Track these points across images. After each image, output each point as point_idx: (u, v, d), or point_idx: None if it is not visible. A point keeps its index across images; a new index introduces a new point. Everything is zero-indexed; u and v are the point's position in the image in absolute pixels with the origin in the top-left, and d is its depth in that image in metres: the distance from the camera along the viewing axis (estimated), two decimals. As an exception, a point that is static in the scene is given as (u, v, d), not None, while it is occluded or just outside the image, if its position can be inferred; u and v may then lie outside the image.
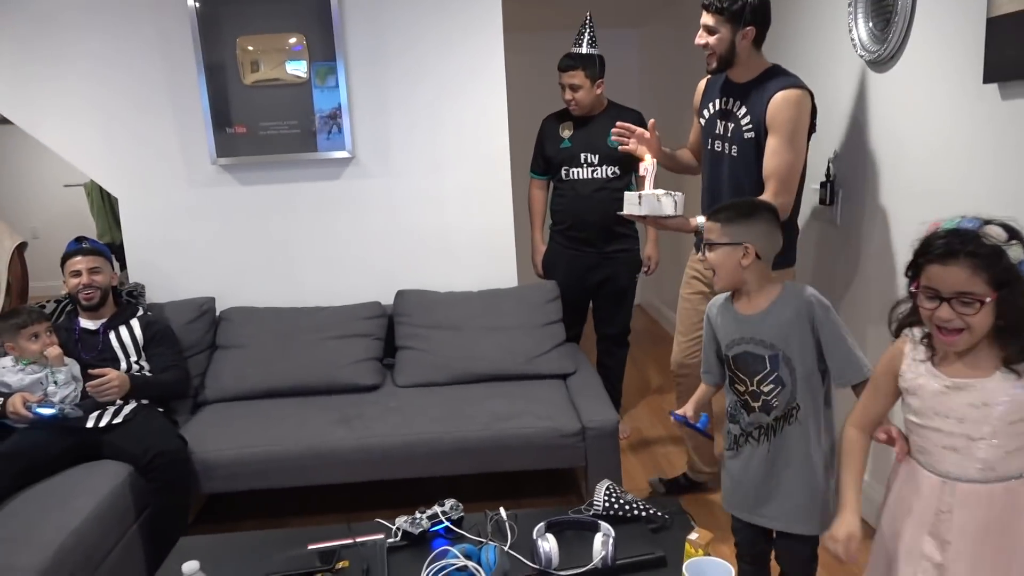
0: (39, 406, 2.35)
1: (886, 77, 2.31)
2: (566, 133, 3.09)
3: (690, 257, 2.61)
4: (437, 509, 1.78)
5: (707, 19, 2.24)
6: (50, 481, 2.22)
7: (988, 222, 1.21)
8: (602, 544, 1.54)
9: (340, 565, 1.61)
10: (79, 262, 2.63)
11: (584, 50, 2.95)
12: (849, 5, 2.43)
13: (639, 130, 2.43)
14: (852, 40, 2.43)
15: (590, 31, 2.96)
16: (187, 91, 3.00)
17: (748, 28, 2.21)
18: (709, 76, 2.43)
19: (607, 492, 1.76)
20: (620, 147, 2.48)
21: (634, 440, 3.28)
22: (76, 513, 2.03)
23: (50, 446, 2.30)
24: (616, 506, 1.74)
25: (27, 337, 2.48)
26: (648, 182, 2.33)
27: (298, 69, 2.99)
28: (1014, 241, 1.19)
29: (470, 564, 1.51)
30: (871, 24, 2.36)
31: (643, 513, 1.74)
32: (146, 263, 3.13)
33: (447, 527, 1.74)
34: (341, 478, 2.44)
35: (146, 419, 2.44)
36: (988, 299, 1.17)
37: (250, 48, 2.95)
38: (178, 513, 2.33)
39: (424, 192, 3.16)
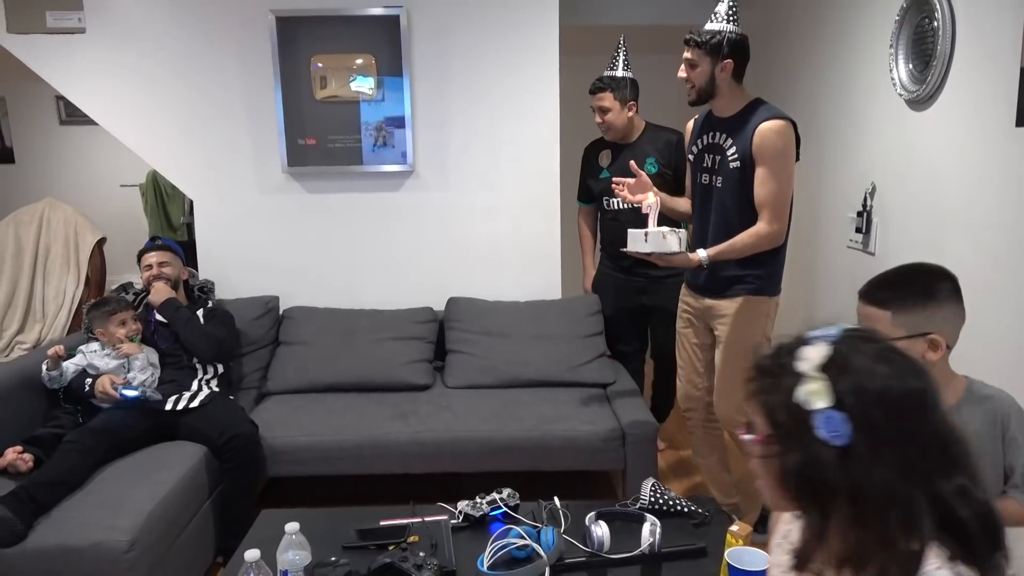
0: (124, 388, 2.56)
1: (924, 116, 2.46)
2: (604, 162, 3.13)
3: (681, 291, 2.65)
4: (496, 496, 1.95)
5: (688, 53, 2.34)
6: (134, 456, 2.42)
7: (825, 339, 0.88)
8: (650, 532, 1.70)
9: (411, 539, 1.78)
10: (151, 257, 2.88)
11: (618, 73, 2.97)
12: (890, 47, 2.58)
13: (628, 181, 2.47)
14: (892, 80, 2.58)
15: (624, 54, 3.00)
16: (263, 103, 3.23)
17: (727, 61, 2.29)
18: (697, 116, 2.54)
19: (652, 488, 1.92)
20: (622, 199, 2.54)
21: (668, 455, 3.42)
22: (161, 485, 2.22)
23: (134, 425, 2.51)
24: (660, 501, 1.89)
25: (116, 324, 2.70)
26: (651, 220, 2.39)
27: (365, 86, 3.20)
28: (819, 375, 0.84)
29: (531, 543, 1.68)
30: (911, 65, 2.52)
31: (685, 509, 1.89)
32: (216, 262, 3.35)
33: (505, 512, 1.91)
34: (397, 468, 2.62)
35: (220, 405, 2.65)
36: (760, 437, 0.88)
37: (322, 65, 3.18)
38: (247, 492, 2.53)
39: (477, 205, 3.36)
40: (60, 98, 7.03)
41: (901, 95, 2.54)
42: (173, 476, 2.29)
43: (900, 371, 0.83)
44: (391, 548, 1.74)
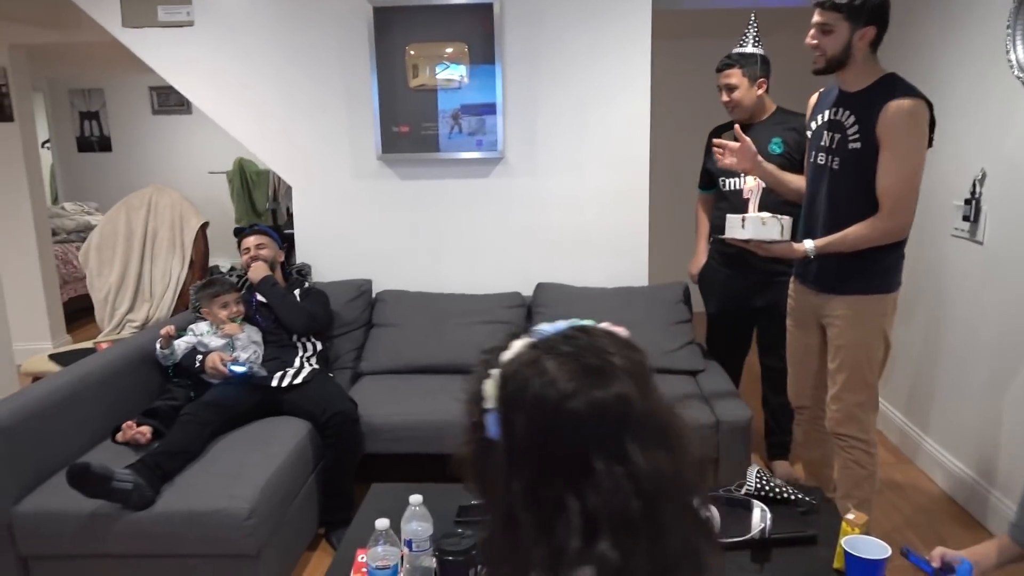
0: (233, 364, 2.69)
1: (1044, 99, 2.36)
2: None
3: (790, 284, 2.47)
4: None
5: (822, 17, 2.06)
6: (245, 430, 2.55)
7: (533, 336, 0.84)
8: (760, 518, 1.70)
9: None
10: (248, 240, 3.03)
11: (748, 49, 2.80)
12: (1008, 27, 2.48)
13: (731, 144, 2.35)
14: (1009, 61, 2.48)
15: (755, 30, 2.84)
16: (359, 92, 3.32)
17: (868, 28, 2.03)
18: (821, 90, 2.34)
19: (758, 475, 1.91)
20: (718, 163, 2.44)
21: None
22: (273, 458, 2.34)
23: (244, 400, 2.64)
24: (766, 488, 1.89)
25: (219, 305, 2.84)
26: (752, 204, 2.29)
27: (458, 74, 3.25)
28: (498, 374, 0.81)
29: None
30: (1031, 46, 2.41)
31: (791, 496, 1.88)
32: (313, 246, 3.47)
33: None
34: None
35: (321, 382, 2.75)
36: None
37: (416, 54, 3.24)
38: (347, 467, 2.63)
39: (565, 192, 3.38)
40: (153, 89, 7.38)
41: (1020, 77, 2.44)
42: (284, 449, 2.40)
43: (574, 381, 0.77)
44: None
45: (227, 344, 2.80)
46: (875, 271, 2.18)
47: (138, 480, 2.07)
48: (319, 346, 2.98)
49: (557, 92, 3.30)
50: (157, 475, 2.16)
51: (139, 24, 3.33)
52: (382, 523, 1.49)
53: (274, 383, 2.72)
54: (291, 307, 2.91)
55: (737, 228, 2.23)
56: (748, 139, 2.36)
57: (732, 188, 2.90)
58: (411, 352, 3.08)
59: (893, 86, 2.07)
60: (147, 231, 3.66)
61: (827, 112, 2.22)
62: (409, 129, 3.31)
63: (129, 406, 2.63)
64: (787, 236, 2.21)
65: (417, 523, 1.56)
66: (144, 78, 7.14)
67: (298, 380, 2.73)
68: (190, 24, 3.33)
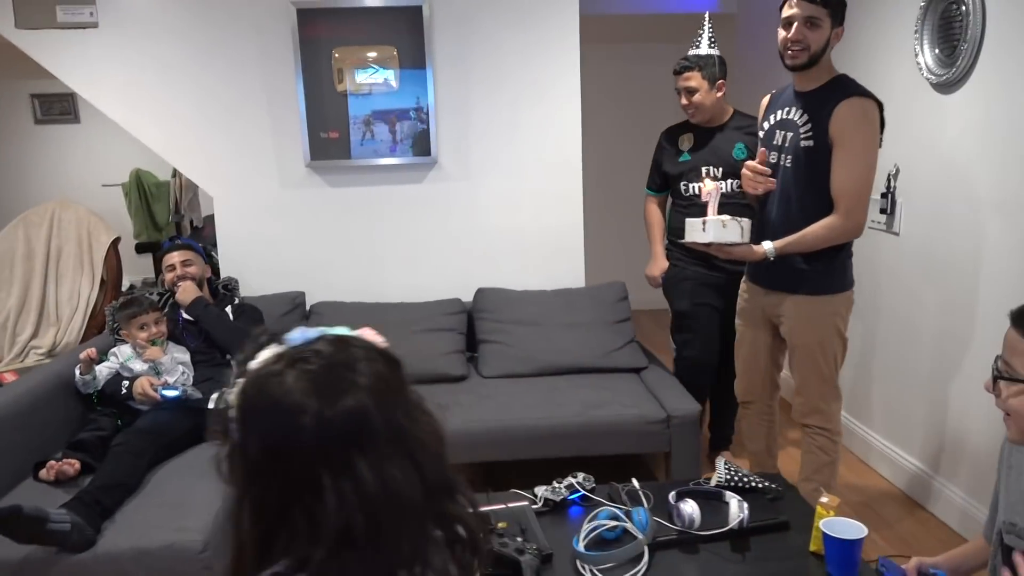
0: (164, 388, 2.52)
1: (952, 99, 2.54)
2: (686, 145, 2.91)
3: (741, 284, 2.52)
4: (572, 480, 1.97)
5: (811, 10, 2.06)
6: (183, 457, 2.39)
7: (284, 344, 0.85)
8: (739, 508, 1.74)
9: (500, 525, 1.80)
10: (172, 257, 2.85)
11: (703, 51, 2.77)
12: (915, 32, 2.66)
13: (768, 179, 2.27)
14: (918, 64, 2.66)
15: (710, 31, 2.80)
16: (284, 97, 3.19)
17: (840, 27, 2.12)
18: (773, 91, 2.38)
19: (726, 466, 1.96)
20: (750, 192, 2.34)
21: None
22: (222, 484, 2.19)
23: (179, 425, 2.47)
24: (735, 478, 1.94)
25: (138, 326, 2.66)
26: (712, 207, 2.27)
27: (388, 78, 3.18)
28: (242, 380, 0.82)
29: (627, 524, 1.71)
30: (937, 51, 2.59)
31: (759, 485, 1.94)
32: (238, 259, 3.31)
33: (583, 495, 1.94)
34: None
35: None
36: None
37: (344, 57, 3.15)
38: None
39: (499, 196, 3.36)
40: (36, 96, 6.85)
41: (928, 79, 2.62)
42: (230, 475, 2.26)
43: (308, 397, 0.78)
44: (482, 535, 1.75)
45: (149, 368, 2.62)
46: (826, 272, 2.22)
47: (76, 519, 1.90)
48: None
49: (489, 96, 3.28)
50: (96, 512, 1.99)
51: (36, 26, 3.08)
52: None
53: (211, 405, 2.57)
54: (228, 329, 2.76)
55: (698, 232, 2.22)
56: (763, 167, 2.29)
57: (696, 192, 2.80)
58: (353, 365, 2.98)
59: (846, 86, 2.13)
60: (50, 249, 3.38)
61: (780, 112, 2.27)
62: (339, 135, 3.22)
63: (50, 440, 2.42)
64: (747, 238, 2.22)
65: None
66: (23, 84, 6.62)
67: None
68: (94, 26, 3.11)
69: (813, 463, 2.38)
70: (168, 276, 2.83)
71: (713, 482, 1.95)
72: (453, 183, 3.34)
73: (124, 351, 2.68)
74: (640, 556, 1.65)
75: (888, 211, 2.90)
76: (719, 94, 2.78)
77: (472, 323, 3.24)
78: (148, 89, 3.16)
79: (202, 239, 6.78)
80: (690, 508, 1.75)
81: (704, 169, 2.80)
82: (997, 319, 2.33)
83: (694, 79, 2.74)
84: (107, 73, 3.14)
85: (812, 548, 1.70)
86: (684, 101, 2.80)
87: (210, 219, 5.85)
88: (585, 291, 3.28)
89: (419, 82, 3.19)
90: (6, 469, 2.22)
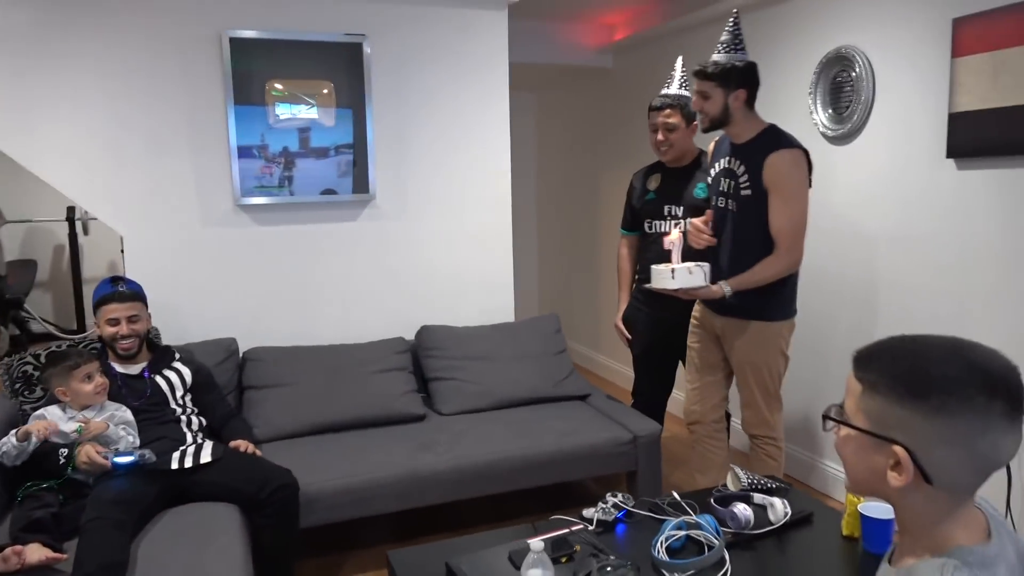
0: (116, 455, 2.23)
1: (846, 149, 3.04)
2: (653, 185, 2.99)
3: (695, 307, 2.72)
4: (613, 500, 2.06)
5: (700, 86, 2.40)
6: (163, 526, 2.13)
7: None
8: (783, 506, 1.94)
9: (575, 549, 1.84)
10: (116, 309, 2.48)
11: (679, 92, 2.84)
12: (809, 94, 3.15)
13: (710, 237, 2.51)
14: (814, 121, 3.15)
15: (682, 71, 2.88)
16: (210, 130, 2.98)
17: (740, 90, 2.38)
18: (717, 139, 2.61)
19: (744, 472, 2.17)
20: (694, 246, 2.54)
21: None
22: (229, 551, 2.00)
23: (147, 491, 2.20)
24: (756, 482, 2.15)
25: (80, 379, 2.34)
26: (675, 255, 2.41)
27: (325, 114, 3.10)
28: None
29: (700, 532, 1.84)
30: (830, 111, 3.09)
31: (773, 486, 2.17)
32: (154, 303, 2.98)
33: (627, 512, 2.04)
34: (436, 499, 2.58)
35: (236, 456, 2.40)
36: None
37: (280, 91, 3.02)
38: (292, 546, 2.33)
39: (434, 233, 3.39)
40: None
41: (824, 133, 3.11)
42: (234, 539, 2.06)
43: None
44: (563, 560, 1.78)
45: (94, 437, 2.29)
46: (772, 303, 2.48)
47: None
48: (203, 420, 2.59)
49: (423, 135, 3.32)
50: (110, 598, 1.72)
51: (-101, 36, 2.61)
52: (537, 545, 1.45)
53: (175, 465, 2.31)
54: (249, 431, 2.64)
55: (667, 279, 2.37)
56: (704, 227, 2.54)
57: (658, 231, 2.94)
58: (310, 412, 2.82)
59: (776, 139, 2.40)
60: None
61: (723, 160, 2.54)
62: (271, 171, 3.06)
63: (-23, 525, 2.03)
64: (708, 281, 2.43)
65: (542, 570, 1.51)
66: None
67: (206, 458, 2.35)
68: (-22, 41, 2.70)
69: (764, 469, 2.64)
70: (109, 331, 2.47)
71: (737, 487, 2.15)
72: (388, 221, 3.31)
73: (53, 412, 2.33)
74: (723, 560, 1.78)
75: (787, 244, 3.35)
76: (692, 135, 2.88)
77: (417, 361, 3.20)
78: (46, 117, 2.79)
79: (9, 289, 5.92)
80: (746, 511, 1.92)
81: (666, 208, 2.92)
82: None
83: (675, 116, 2.81)
84: (-5, 96, 2.73)
85: (845, 532, 1.94)
86: (660, 137, 2.84)
87: (15, 265, 5.15)
88: (524, 324, 3.38)
89: (356, 119, 3.15)
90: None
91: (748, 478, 2.16)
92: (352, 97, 3.13)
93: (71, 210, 6.12)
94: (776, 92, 3.36)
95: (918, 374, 0.87)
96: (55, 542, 1.96)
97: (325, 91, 3.09)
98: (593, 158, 4.99)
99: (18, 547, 1.86)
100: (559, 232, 5.48)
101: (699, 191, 2.88)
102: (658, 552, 1.80)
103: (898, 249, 2.85)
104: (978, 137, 2.48)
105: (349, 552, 2.76)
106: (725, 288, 2.41)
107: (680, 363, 3.02)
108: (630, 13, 4.28)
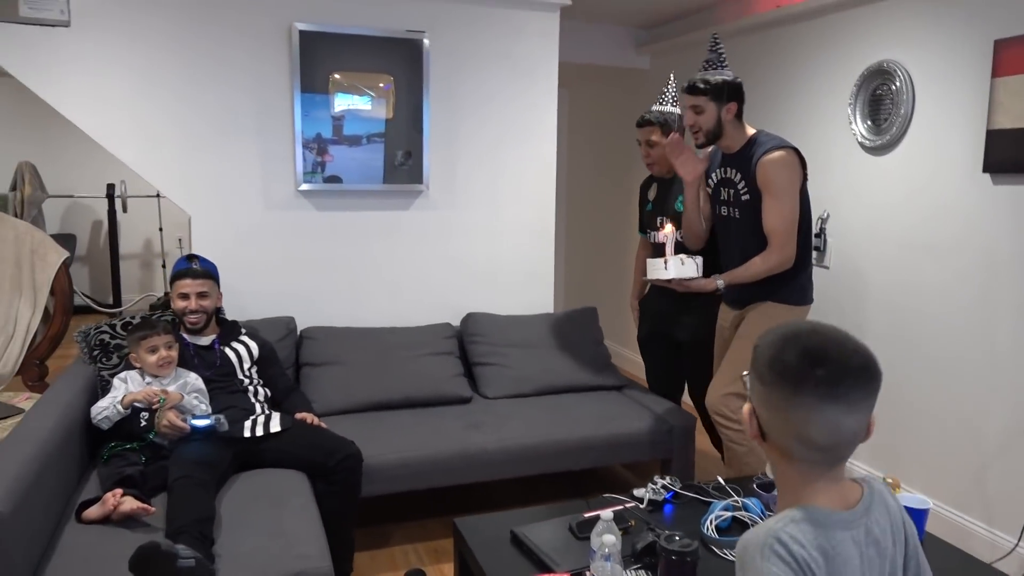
0: (195, 418, 2.38)
1: (883, 160, 3.17)
2: (651, 195, 3.16)
3: (720, 308, 2.84)
4: (662, 482, 2.21)
5: (693, 100, 2.51)
6: (239, 487, 2.28)
7: None
8: (822, 492, 2.09)
9: (630, 524, 1.98)
10: (188, 285, 2.64)
11: (666, 108, 2.98)
12: (849, 106, 3.27)
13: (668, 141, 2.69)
14: (852, 131, 3.27)
15: (674, 89, 3.01)
16: (276, 118, 3.12)
17: (731, 104, 2.50)
18: (709, 151, 2.72)
19: (783, 461, 2.31)
20: (672, 159, 2.70)
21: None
22: (305, 511, 2.14)
23: (223, 455, 2.35)
24: (794, 470, 2.29)
25: (146, 349, 2.48)
26: (669, 248, 2.52)
27: (384, 106, 3.24)
28: None
29: (746, 514, 1.98)
30: (869, 122, 3.22)
31: (810, 475, 2.31)
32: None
33: (675, 493, 2.19)
34: (483, 476, 2.73)
35: (303, 427, 2.55)
36: None
37: (343, 82, 3.16)
38: (353, 513, 2.48)
39: (480, 225, 3.53)
40: None
41: (863, 143, 3.24)
42: (306, 501, 2.21)
43: None
44: (622, 533, 1.93)
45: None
46: (787, 286, 2.58)
47: (196, 555, 1.79)
48: (267, 391, 2.74)
49: (475, 129, 3.45)
50: (208, 546, 1.88)
51: (-7, 17, 2.76)
52: (607, 514, 1.59)
53: (247, 434, 2.46)
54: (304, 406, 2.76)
55: (660, 270, 2.51)
56: (678, 137, 2.72)
57: (653, 240, 3.12)
58: (364, 389, 2.97)
59: (764, 143, 2.51)
60: (-20, 269, 2.96)
61: (718, 171, 2.67)
62: (332, 159, 3.20)
63: (70, 480, 2.19)
64: (700, 273, 2.54)
65: (611, 535, 1.65)
66: None
67: (276, 428, 2.50)
68: (65, 24, 2.84)
69: (734, 456, 2.62)
70: (179, 304, 2.63)
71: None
72: (439, 211, 3.45)
73: (133, 377, 2.48)
74: (769, 537, 1.93)
75: (820, 248, 3.49)
76: None
77: (462, 346, 3.35)
78: (123, 97, 2.94)
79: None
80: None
81: (658, 219, 3.07)
82: (924, 339, 2.95)
83: (655, 134, 2.95)
84: (77, 77, 2.87)
85: (880, 520, 2.08)
86: (644, 152, 3.04)
87: (56, 239, 5.39)
88: (564, 315, 3.53)
89: (414, 111, 3.28)
90: (46, 513, 1.99)
91: (787, 467, 2.30)
92: (411, 90, 3.26)
93: (111, 187, 6.31)
94: (816, 102, 3.49)
95: (770, 352, 1.06)
96: (144, 497, 2.12)
97: (381, 84, 3.22)
98: (624, 157, 5.12)
99: (117, 491, 2.02)
100: (586, 228, 5.61)
101: (678, 204, 2.96)
102: (708, 530, 1.95)
103: (929, 256, 2.98)
104: (1015, 154, 2.60)
105: (395, 524, 2.91)
106: (718, 281, 2.54)
107: (683, 363, 3.16)
108: (671, 16, 4.40)
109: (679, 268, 2.50)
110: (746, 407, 1.13)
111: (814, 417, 1.01)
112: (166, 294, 6.61)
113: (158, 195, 6.47)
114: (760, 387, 1.07)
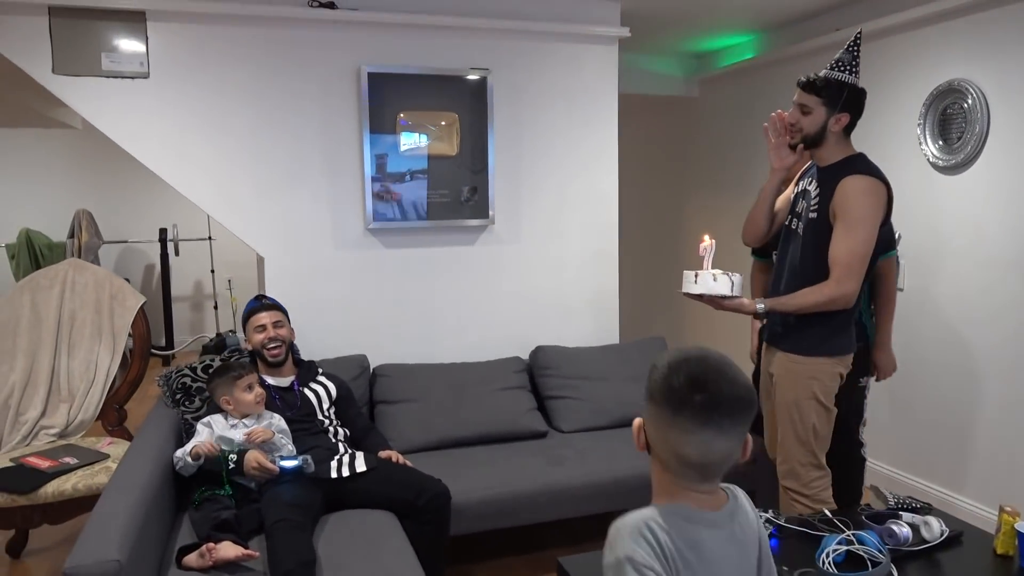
0: (283, 459, 2.38)
1: (957, 179, 3.11)
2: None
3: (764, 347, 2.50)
4: (765, 516, 2.14)
5: (803, 98, 2.20)
6: (333, 529, 2.26)
7: None
8: (938, 524, 2.01)
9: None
10: (263, 317, 2.70)
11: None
12: (919, 126, 3.23)
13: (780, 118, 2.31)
14: (923, 151, 3.23)
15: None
16: (344, 159, 3.16)
17: (843, 114, 2.18)
18: (810, 162, 2.39)
19: (889, 492, 2.24)
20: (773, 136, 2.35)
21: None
22: (402, 553, 2.12)
23: (315, 497, 2.34)
24: (903, 501, 2.22)
25: (243, 388, 2.50)
26: (707, 261, 2.27)
27: (450, 145, 3.26)
28: None
29: (862, 548, 1.92)
30: (940, 142, 3.17)
31: (917, 505, 2.23)
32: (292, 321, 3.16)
33: (778, 527, 2.12)
34: (569, 513, 2.69)
35: (389, 466, 2.54)
36: None
37: (409, 122, 3.20)
38: (443, 552, 2.45)
39: (545, 257, 3.52)
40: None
41: (935, 163, 3.19)
42: (401, 544, 2.19)
43: None
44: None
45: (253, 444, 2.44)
46: (808, 333, 2.24)
47: (308, 600, 1.77)
48: (346, 431, 2.74)
49: (538, 163, 3.47)
50: (316, 593, 1.85)
51: (76, 72, 2.84)
52: None
53: (334, 474, 2.45)
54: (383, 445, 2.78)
55: (690, 283, 2.24)
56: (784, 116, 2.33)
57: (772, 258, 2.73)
58: (440, 426, 2.95)
59: (855, 164, 2.19)
60: (62, 316, 3.00)
61: (803, 181, 2.36)
62: (400, 197, 3.23)
63: (166, 525, 2.19)
64: (738, 292, 2.21)
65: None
66: None
67: (361, 467, 2.49)
68: (144, 76, 2.92)
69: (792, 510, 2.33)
70: (257, 338, 2.66)
71: (881, 505, 2.22)
72: (505, 245, 3.45)
73: (217, 421, 2.49)
74: (891, 574, 1.86)
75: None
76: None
77: (532, 379, 3.32)
78: (200, 145, 3.00)
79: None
80: (905, 529, 1.99)
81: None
82: (1003, 352, 2.86)
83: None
84: (155, 126, 2.94)
85: (1000, 551, 2.00)
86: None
87: None
88: (632, 346, 3.49)
89: (479, 146, 3.30)
90: (151, 560, 1.98)
91: (893, 497, 2.23)
92: (475, 127, 3.29)
93: (163, 231, 6.43)
94: (884, 122, 3.45)
95: (662, 373, 1.15)
96: (241, 541, 2.11)
97: (451, 121, 3.25)
98: (677, 185, 5.10)
99: (211, 544, 2.00)
100: (638, 259, 5.59)
101: None
102: (825, 565, 1.88)
103: (1014, 272, 2.90)
104: (1106, 169, 2.54)
105: (478, 563, 2.86)
106: (759, 305, 2.24)
107: None
108: (720, 47, 4.41)
109: (709, 284, 2.20)
110: (637, 421, 1.23)
111: (690, 439, 1.12)
112: (218, 334, 6.61)
113: (210, 237, 6.58)
114: (651, 405, 1.17)
